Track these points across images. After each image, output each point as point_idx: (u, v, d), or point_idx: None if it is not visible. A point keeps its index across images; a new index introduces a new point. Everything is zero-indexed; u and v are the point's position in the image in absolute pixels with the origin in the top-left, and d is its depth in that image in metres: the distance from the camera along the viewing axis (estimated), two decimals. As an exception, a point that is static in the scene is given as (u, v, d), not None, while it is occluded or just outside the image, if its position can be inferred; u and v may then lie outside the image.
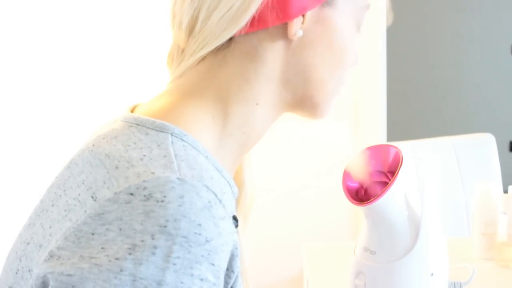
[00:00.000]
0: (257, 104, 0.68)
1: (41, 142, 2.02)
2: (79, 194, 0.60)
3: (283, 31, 0.66)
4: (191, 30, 0.67)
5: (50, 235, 0.60)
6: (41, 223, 0.63)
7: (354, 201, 0.92)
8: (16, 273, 0.64)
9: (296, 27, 0.66)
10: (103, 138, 0.64)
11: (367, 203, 0.90)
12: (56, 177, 0.67)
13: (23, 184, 2.00)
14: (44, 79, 2.00)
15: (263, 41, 0.66)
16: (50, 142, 2.01)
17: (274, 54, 0.67)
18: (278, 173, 2.14)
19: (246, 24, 0.65)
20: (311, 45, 0.68)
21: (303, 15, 0.66)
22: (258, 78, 0.67)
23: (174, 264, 0.53)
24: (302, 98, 0.70)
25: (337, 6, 0.68)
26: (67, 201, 0.61)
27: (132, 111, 0.69)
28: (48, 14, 1.98)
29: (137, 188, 0.55)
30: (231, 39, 0.66)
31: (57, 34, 1.99)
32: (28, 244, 0.64)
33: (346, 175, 0.93)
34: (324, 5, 0.67)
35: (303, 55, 0.68)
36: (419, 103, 4.19)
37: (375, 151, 0.94)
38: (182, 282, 0.53)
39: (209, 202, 0.56)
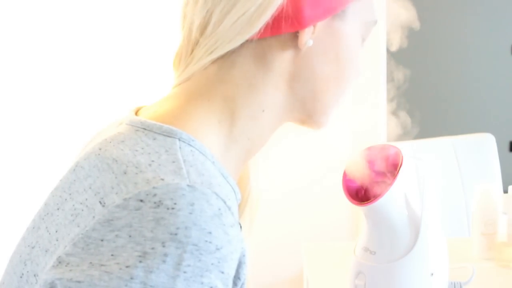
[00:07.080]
0: (263, 110, 0.68)
1: (42, 143, 2.02)
2: (86, 199, 0.59)
3: (293, 40, 0.66)
4: (202, 32, 0.67)
5: (57, 240, 0.59)
6: (46, 227, 0.63)
7: (354, 201, 0.92)
8: (21, 277, 0.63)
9: (307, 36, 0.66)
10: (110, 142, 0.63)
11: (367, 203, 0.90)
12: (60, 180, 0.66)
13: (24, 186, 2.00)
14: (45, 80, 2.00)
15: (273, 48, 0.66)
16: (51, 144, 2.01)
17: (282, 62, 0.67)
18: (278, 173, 2.14)
19: (260, 30, 0.64)
20: (319, 55, 0.68)
21: (314, 25, 0.66)
22: (265, 84, 0.67)
23: (184, 272, 0.53)
24: (305, 108, 0.70)
25: (347, 19, 0.68)
26: (73, 205, 0.60)
27: (136, 114, 0.68)
28: (50, 15, 1.98)
29: (147, 194, 0.55)
30: (242, 43, 0.65)
31: (59, 35, 1.99)
32: (33, 248, 0.63)
33: (346, 176, 0.93)
34: (334, 17, 0.67)
35: (310, 65, 0.68)
36: (419, 103, 4.19)
37: (375, 151, 0.94)
38: None
39: (219, 209, 0.56)
